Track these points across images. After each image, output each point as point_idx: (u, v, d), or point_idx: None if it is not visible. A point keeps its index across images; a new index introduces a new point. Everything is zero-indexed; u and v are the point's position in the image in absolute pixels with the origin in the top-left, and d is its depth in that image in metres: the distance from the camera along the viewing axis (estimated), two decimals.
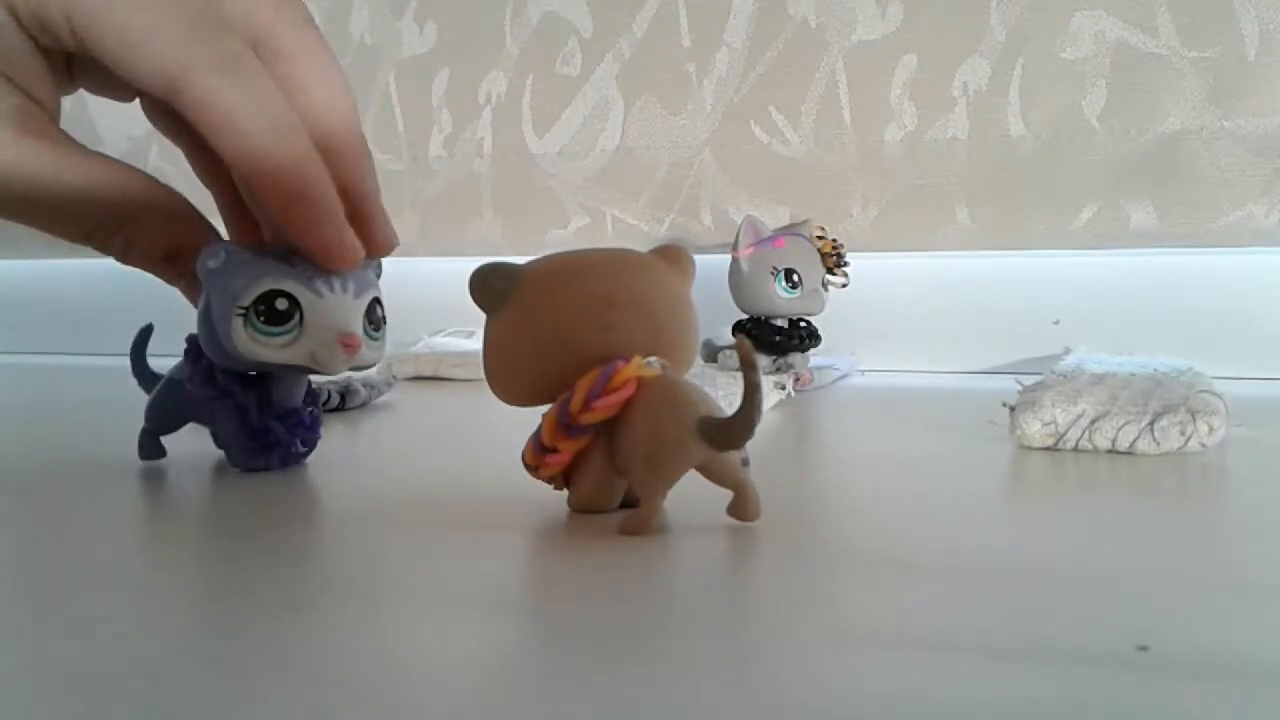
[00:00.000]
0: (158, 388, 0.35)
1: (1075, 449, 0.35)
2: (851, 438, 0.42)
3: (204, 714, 0.15)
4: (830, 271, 0.55)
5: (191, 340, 0.33)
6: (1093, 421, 0.34)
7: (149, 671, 0.17)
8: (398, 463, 0.37)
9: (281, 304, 0.30)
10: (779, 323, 0.54)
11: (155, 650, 0.18)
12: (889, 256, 0.65)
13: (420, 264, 0.77)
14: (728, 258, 0.54)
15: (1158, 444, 0.33)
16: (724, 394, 0.41)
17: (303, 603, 0.20)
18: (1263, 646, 0.17)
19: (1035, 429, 0.35)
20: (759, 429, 0.23)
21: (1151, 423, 0.33)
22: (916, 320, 0.66)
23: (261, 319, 0.30)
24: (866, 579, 0.22)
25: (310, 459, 0.35)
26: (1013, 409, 0.36)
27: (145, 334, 0.39)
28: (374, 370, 0.52)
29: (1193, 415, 0.33)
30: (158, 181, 0.31)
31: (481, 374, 0.27)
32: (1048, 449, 0.35)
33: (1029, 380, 0.38)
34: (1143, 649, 0.17)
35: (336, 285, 0.31)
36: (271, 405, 0.33)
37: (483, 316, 0.26)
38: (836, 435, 0.44)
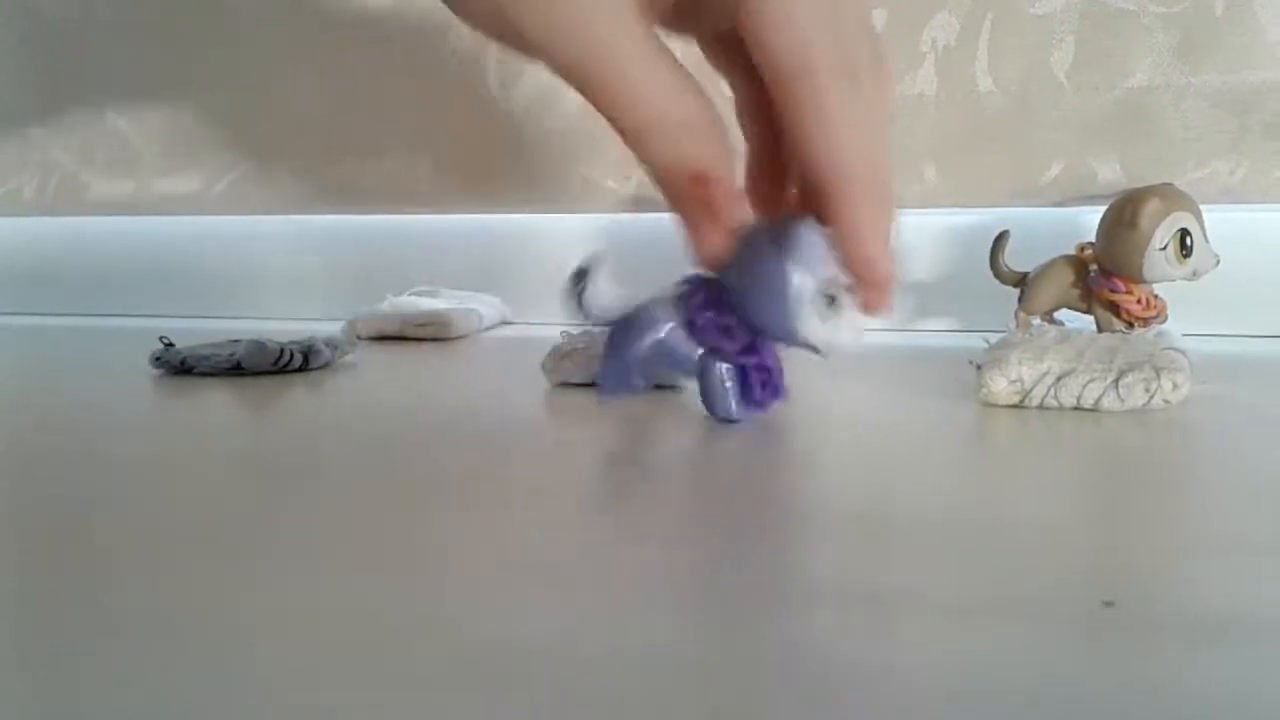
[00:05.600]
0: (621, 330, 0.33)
1: (1040, 406, 0.35)
2: (818, 396, 0.42)
3: (172, 684, 0.15)
4: None
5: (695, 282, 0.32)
6: (1058, 379, 0.34)
7: (116, 643, 0.16)
8: (361, 422, 0.37)
9: None
10: None
11: (121, 616, 0.17)
12: None
13: (382, 222, 0.76)
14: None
15: (1122, 401, 0.34)
16: None
17: (265, 564, 0.20)
18: (1228, 601, 0.17)
19: (1001, 387, 0.35)
20: None
21: (1116, 380, 0.34)
22: None
23: None
24: (831, 537, 0.22)
25: (271, 419, 0.34)
26: (979, 367, 0.36)
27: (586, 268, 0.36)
28: (338, 330, 0.51)
29: (1157, 372, 0.34)
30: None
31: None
32: (1013, 406, 0.35)
33: (995, 338, 0.38)
34: (1108, 605, 0.17)
35: None
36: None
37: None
38: (803, 394, 0.44)
